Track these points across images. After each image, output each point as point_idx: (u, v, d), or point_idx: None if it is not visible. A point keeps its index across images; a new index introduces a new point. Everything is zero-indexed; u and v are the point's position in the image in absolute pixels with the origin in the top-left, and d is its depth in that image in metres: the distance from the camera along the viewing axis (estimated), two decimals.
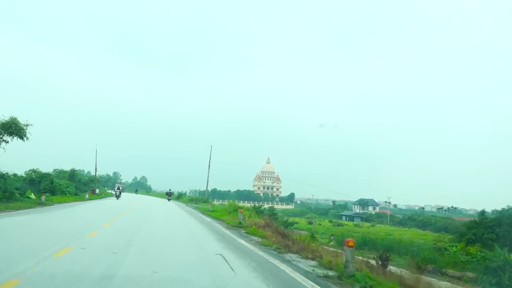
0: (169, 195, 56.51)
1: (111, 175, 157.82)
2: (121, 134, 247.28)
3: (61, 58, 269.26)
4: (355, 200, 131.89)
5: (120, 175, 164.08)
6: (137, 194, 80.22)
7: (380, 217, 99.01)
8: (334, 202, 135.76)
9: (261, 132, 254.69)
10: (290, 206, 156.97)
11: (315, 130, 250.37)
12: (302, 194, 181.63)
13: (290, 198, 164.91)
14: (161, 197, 67.79)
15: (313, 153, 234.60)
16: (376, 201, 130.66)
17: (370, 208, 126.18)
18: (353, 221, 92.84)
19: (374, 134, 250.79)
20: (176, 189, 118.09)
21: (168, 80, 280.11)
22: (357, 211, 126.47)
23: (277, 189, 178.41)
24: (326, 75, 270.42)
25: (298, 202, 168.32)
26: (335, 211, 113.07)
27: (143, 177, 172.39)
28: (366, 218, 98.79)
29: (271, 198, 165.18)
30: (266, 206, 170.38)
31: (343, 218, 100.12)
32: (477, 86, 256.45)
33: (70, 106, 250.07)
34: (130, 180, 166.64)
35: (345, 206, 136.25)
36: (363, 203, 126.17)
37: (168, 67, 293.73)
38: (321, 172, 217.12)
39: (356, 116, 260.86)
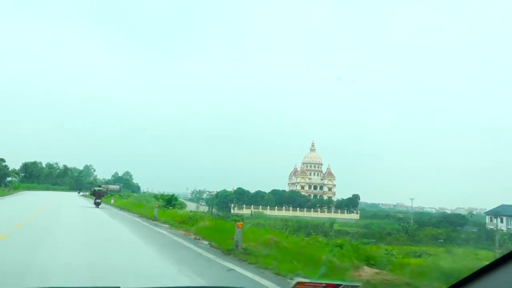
0: (97, 196, 31.79)
1: (82, 169, 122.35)
2: (105, 127, 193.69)
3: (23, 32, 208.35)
4: (492, 207, 74.40)
5: (94, 170, 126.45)
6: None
7: None
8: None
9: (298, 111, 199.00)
10: (354, 215, 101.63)
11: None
12: (366, 197, 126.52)
13: (353, 203, 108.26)
14: (90, 198, 43.55)
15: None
16: None
17: None
18: None
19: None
20: (173, 190, 67.90)
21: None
22: (492, 226, 70.62)
23: (329, 189, 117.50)
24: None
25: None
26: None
27: (127, 173, 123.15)
28: None
29: (326, 202, 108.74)
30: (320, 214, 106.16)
31: None
32: None
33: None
34: (109, 177, 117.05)
35: (460, 217, 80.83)
36: None
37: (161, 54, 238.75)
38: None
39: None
